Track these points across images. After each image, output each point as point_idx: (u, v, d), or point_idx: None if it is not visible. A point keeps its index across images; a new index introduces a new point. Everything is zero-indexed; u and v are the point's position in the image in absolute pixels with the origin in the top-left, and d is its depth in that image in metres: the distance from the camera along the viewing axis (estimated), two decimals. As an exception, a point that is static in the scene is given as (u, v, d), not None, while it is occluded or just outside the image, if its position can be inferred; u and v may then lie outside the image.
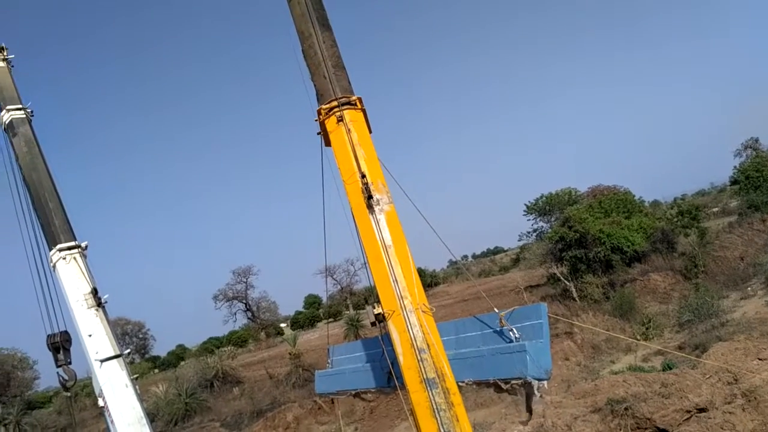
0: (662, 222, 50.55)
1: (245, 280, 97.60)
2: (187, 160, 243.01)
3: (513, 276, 71.42)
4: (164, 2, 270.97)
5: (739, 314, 28.57)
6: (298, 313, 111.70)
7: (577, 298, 42.07)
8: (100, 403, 9.21)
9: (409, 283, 7.20)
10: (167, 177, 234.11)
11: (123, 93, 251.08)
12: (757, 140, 75.48)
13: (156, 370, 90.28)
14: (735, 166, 62.03)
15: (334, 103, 7.78)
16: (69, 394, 10.12)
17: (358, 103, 7.92)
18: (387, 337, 7.60)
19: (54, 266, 9.76)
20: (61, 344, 9.58)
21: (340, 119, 7.72)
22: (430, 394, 6.83)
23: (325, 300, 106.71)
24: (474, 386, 8.64)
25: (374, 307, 7.45)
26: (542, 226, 67.69)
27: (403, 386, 7.43)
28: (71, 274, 9.61)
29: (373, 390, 11.02)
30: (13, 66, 11.26)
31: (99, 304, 9.52)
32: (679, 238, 46.45)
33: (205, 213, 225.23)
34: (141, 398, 9.51)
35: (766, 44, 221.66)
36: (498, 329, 8.39)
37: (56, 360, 9.62)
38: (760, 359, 18.95)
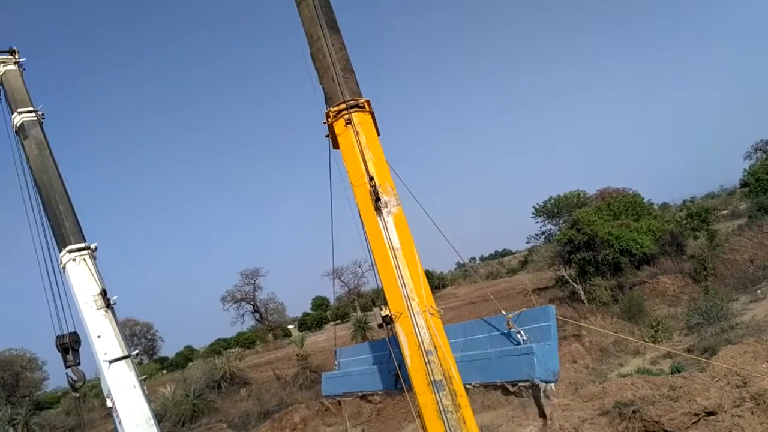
0: (671, 224, 50.26)
1: (253, 281, 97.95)
2: (196, 162, 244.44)
3: (521, 278, 71.18)
4: (168, 4, 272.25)
5: (748, 317, 28.36)
6: (306, 314, 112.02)
7: (585, 301, 41.86)
8: (109, 403, 9.25)
9: (417, 285, 7.20)
10: (177, 179, 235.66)
11: (126, 95, 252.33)
12: (767, 142, 75.09)
13: (164, 371, 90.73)
14: (745, 169, 61.72)
15: (343, 106, 7.80)
16: (78, 394, 10.18)
17: (366, 106, 7.93)
18: (394, 339, 7.61)
19: (64, 267, 9.82)
20: (71, 345, 9.64)
21: (349, 122, 7.73)
22: (438, 396, 6.82)
23: (332, 302, 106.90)
24: (481, 388, 8.62)
25: (382, 309, 7.45)
26: (550, 229, 67.48)
27: (410, 388, 7.43)
28: (81, 276, 9.67)
29: (380, 392, 11.02)
30: (24, 69, 11.36)
31: (108, 305, 9.58)
32: (688, 240, 46.15)
33: (213, 215, 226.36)
34: (149, 399, 9.55)
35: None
36: (505, 331, 8.37)
37: (65, 361, 9.67)
38: (769, 363, 18.82)
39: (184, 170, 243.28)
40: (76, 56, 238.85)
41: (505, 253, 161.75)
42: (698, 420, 16.06)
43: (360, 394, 11.78)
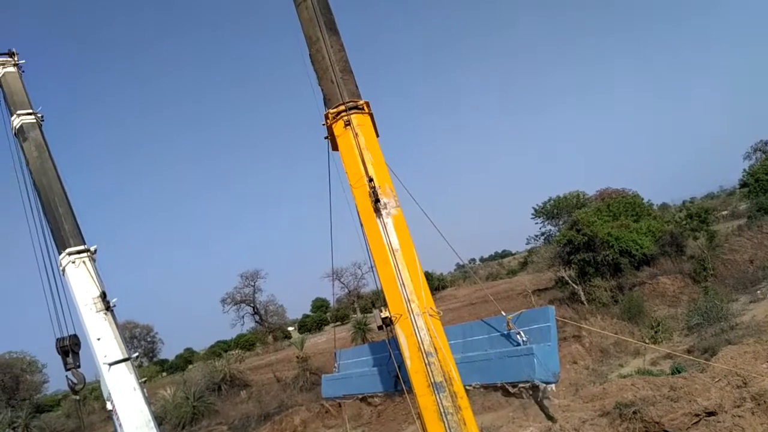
0: (671, 225, 50.33)
1: (253, 283, 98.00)
2: (195, 163, 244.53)
3: (521, 279, 71.23)
4: (168, 4, 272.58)
5: (748, 317, 28.40)
6: (306, 316, 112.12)
7: (585, 302, 41.91)
8: (109, 406, 9.24)
9: (417, 286, 7.19)
10: (177, 180, 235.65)
11: (126, 95, 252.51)
12: (767, 143, 75.19)
13: (164, 374, 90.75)
14: (744, 169, 61.74)
15: (342, 108, 7.79)
16: (78, 397, 10.17)
17: (365, 107, 7.92)
18: (394, 341, 7.60)
19: (63, 270, 9.81)
20: (70, 348, 9.62)
21: (348, 123, 7.73)
22: (438, 397, 6.81)
23: (332, 303, 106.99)
24: (481, 390, 8.59)
25: (381, 311, 7.44)
26: (550, 230, 67.68)
27: (410, 390, 7.41)
28: (80, 278, 9.65)
29: (380, 394, 10.98)
30: (23, 71, 11.36)
31: (108, 307, 9.56)
32: (688, 241, 46.21)
33: (213, 216, 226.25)
34: (149, 401, 9.53)
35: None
36: (505, 332, 8.36)
37: (65, 363, 9.65)
38: (770, 363, 18.83)
39: (184, 171, 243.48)
40: (75, 56, 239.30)
41: (504, 254, 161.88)
42: (699, 420, 16.07)
43: (360, 396, 11.72)
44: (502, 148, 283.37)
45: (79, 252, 9.85)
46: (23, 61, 11.32)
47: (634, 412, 17.07)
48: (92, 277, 9.71)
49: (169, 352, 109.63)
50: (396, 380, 9.20)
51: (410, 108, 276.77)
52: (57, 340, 9.70)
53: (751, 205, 54.55)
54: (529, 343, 7.95)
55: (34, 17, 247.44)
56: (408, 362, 7.15)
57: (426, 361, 6.91)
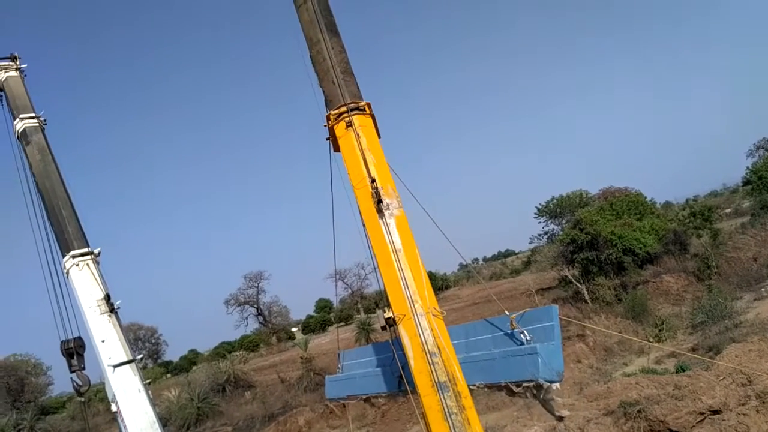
0: (674, 223, 50.24)
1: (257, 284, 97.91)
2: (198, 164, 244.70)
3: (524, 279, 71.09)
4: (168, 4, 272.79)
5: (752, 315, 28.32)
6: (309, 317, 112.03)
7: (588, 301, 41.86)
8: (113, 408, 9.27)
9: (420, 286, 7.19)
10: (179, 181, 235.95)
11: (126, 96, 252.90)
12: (769, 140, 74.80)
13: (168, 375, 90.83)
14: (747, 167, 61.42)
15: (343, 109, 7.79)
16: (83, 399, 10.22)
17: (366, 109, 7.93)
18: (398, 342, 7.59)
19: (67, 273, 9.84)
20: (75, 350, 9.66)
21: (349, 124, 7.73)
22: (442, 397, 6.81)
23: (335, 304, 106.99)
24: (485, 389, 8.59)
25: (385, 312, 7.44)
26: (553, 229, 67.58)
27: (414, 390, 7.42)
28: (84, 281, 9.69)
29: (384, 394, 10.98)
30: (25, 75, 11.40)
31: (112, 309, 9.60)
32: (691, 239, 46.13)
33: (217, 218, 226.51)
34: (153, 403, 9.56)
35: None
36: (509, 332, 8.35)
37: (70, 365, 9.69)
38: (774, 361, 18.78)
39: (185, 172, 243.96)
40: (75, 58, 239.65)
41: (508, 253, 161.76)
42: (703, 419, 16.04)
43: (364, 397, 11.72)
44: (504, 148, 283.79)
45: (82, 254, 9.89)
46: (25, 65, 11.38)
47: (639, 411, 17.05)
48: (96, 280, 9.74)
49: (173, 353, 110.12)
50: (400, 380, 9.19)
51: (411, 109, 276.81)
52: (62, 342, 9.74)
53: (755, 202, 54.41)
54: (532, 342, 7.94)
55: (35, 20, 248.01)
56: (412, 362, 7.16)
57: (430, 361, 6.91)
